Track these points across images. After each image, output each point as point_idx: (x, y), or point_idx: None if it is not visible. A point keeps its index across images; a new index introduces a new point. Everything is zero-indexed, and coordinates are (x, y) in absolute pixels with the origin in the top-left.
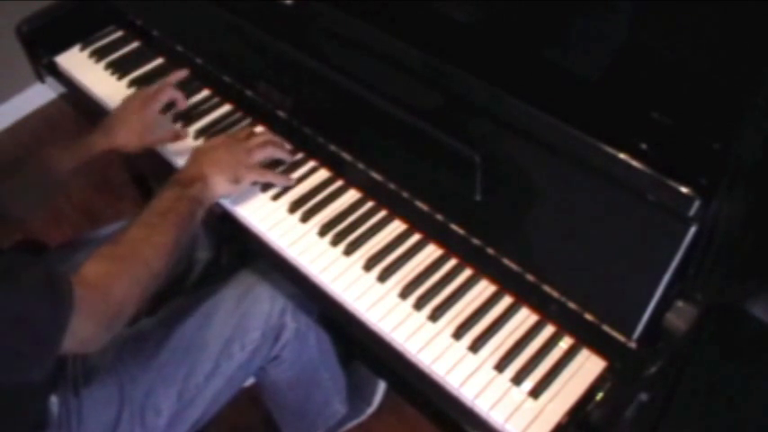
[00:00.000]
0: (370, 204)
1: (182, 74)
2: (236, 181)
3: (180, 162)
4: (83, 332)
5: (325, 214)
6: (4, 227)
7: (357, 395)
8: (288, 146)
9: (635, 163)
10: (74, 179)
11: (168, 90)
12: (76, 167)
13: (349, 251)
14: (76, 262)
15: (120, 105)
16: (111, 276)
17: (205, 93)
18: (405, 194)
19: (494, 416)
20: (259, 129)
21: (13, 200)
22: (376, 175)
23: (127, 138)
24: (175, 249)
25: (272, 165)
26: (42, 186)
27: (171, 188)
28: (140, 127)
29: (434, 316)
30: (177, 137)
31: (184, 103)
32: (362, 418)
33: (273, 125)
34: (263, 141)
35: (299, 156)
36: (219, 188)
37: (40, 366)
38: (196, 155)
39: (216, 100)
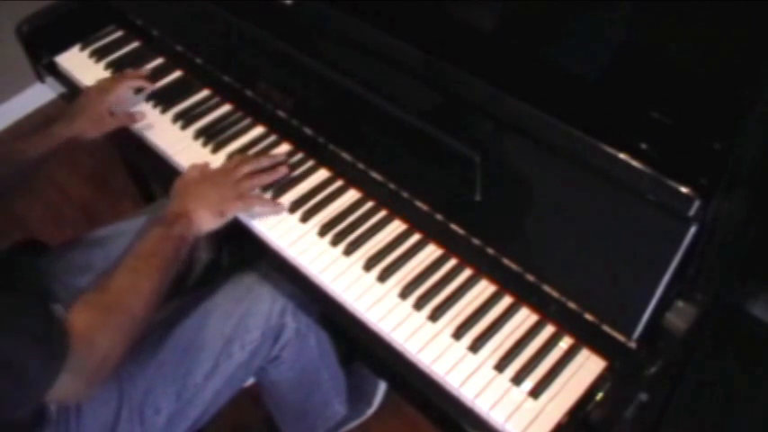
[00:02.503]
0: (370, 204)
1: (143, 72)
2: (221, 214)
3: (178, 160)
4: (65, 386)
5: (325, 214)
6: None
7: (357, 396)
8: (283, 163)
9: (635, 163)
10: (71, 178)
11: (124, 82)
12: (42, 156)
13: (349, 251)
14: (76, 262)
15: (79, 96)
16: (97, 329)
17: (205, 93)
18: (405, 194)
19: (494, 416)
20: (253, 152)
21: None
22: (376, 175)
23: (85, 126)
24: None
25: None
26: (10, 176)
27: (156, 227)
28: (97, 116)
29: (434, 316)
30: (133, 120)
31: (150, 84)
32: (363, 418)
33: (273, 125)
34: (250, 170)
35: (299, 155)
36: (204, 223)
37: (18, 410)
38: (180, 190)
39: (216, 100)
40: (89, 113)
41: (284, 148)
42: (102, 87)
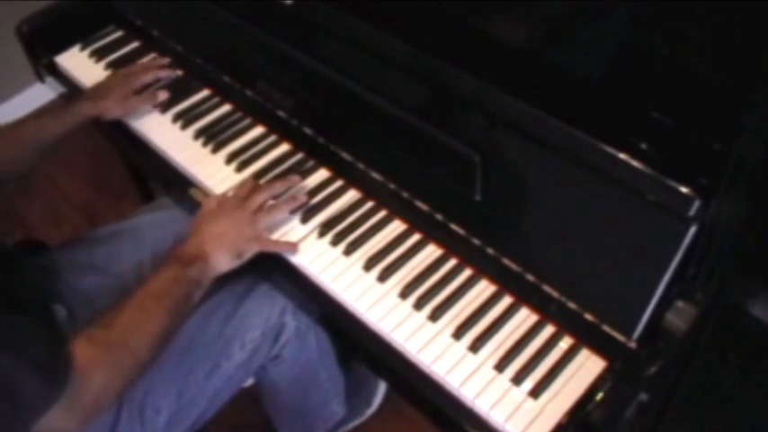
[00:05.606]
0: (370, 204)
1: (164, 61)
2: (239, 256)
3: (178, 160)
4: (55, 419)
5: (325, 214)
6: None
7: (357, 396)
8: (301, 182)
9: (635, 163)
10: (71, 178)
11: (151, 73)
12: (65, 133)
13: (349, 251)
14: (76, 261)
15: (106, 77)
16: (96, 366)
17: (205, 93)
18: (405, 194)
19: (494, 416)
20: (263, 181)
21: (8, 163)
22: (376, 175)
23: (110, 105)
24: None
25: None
26: (34, 151)
27: (170, 266)
28: (123, 96)
29: (434, 316)
30: (155, 99)
31: (172, 74)
32: (362, 418)
33: (273, 125)
34: (265, 198)
35: (299, 155)
36: (221, 266)
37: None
38: (198, 227)
39: (216, 100)
40: (116, 93)
41: (284, 147)
42: (130, 72)
